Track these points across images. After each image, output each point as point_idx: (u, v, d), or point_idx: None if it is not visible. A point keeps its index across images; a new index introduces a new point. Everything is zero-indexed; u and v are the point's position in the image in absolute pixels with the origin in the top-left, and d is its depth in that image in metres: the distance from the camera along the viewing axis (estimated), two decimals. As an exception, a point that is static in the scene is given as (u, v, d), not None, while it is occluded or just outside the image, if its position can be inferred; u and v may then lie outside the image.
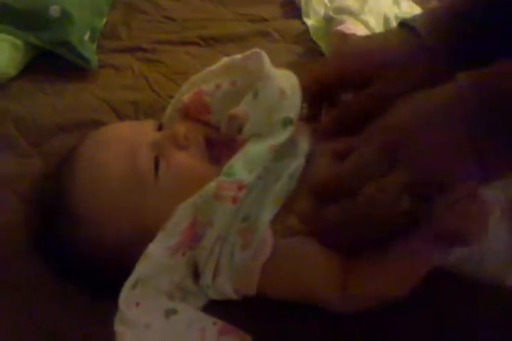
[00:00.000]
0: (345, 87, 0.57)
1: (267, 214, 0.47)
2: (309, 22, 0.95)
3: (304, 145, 0.53)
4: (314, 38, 0.92)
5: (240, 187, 0.47)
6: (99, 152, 0.53)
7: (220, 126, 0.55)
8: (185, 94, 0.60)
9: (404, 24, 0.56)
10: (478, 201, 0.43)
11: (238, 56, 0.57)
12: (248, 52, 0.56)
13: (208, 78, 0.59)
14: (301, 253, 0.47)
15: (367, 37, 0.67)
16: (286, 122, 0.51)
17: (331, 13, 0.90)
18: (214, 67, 0.59)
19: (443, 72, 0.49)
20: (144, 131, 0.55)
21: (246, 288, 0.48)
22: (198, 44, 0.92)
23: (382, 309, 0.47)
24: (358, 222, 0.43)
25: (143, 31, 0.95)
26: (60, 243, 0.52)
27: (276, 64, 0.57)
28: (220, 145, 0.55)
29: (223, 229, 0.47)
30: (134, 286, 0.46)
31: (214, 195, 0.47)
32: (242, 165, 0.48)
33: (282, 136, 0.50)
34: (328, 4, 0.97)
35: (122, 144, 0.53)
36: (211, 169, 0.51)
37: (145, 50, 0.90)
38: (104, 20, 0.95)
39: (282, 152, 0.52)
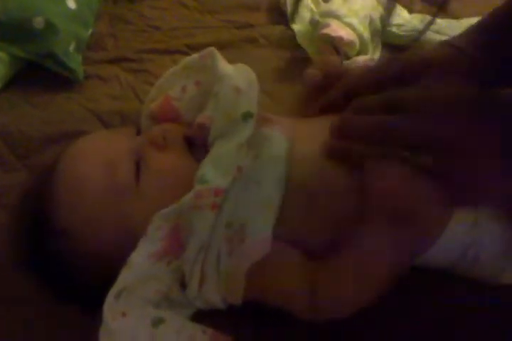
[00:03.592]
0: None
1: (262, 221, 0.46)
2: (296, 27, 0.95)
3: (281, 142, 0.52)
4: (301, 43, 0.91)
5: (217, 193, 0.46)
6: (77, 165, 0.52)
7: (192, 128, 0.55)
8: (153, 101, 0.59)
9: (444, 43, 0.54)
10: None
11: (196, 56, 0.58)
12: (203, 51, 0.57)
13: (172, 81, 0.59)
14: (277, 262, 0.47)
15: None
16: (246, 116, 0.51)
17: (317, 17, 0.90)
18: (175, 68, 0.59)
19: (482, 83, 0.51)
20: (121, 138, 0.55)
21: (232, 295, 0.47)
22: (184, 52, 0.91)
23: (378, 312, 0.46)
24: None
25: (129, 41, 0.94)
26: (47, 258, 0.51)
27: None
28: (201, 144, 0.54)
29: (206, 237, 0.46)
30: (118, 296, 0.45)
31: (193, 206, 0.46)
32: (214, 171, 0.48)
33: (246, 131, 0.50)
34: (315, 9, 0.97)
35: (100, 154, 0.52)
36: (193, 166, 0.50)
37: (131, 60, 0.90)
38: (90, 31, 0.94)
39: (257, 149, 0.51)
